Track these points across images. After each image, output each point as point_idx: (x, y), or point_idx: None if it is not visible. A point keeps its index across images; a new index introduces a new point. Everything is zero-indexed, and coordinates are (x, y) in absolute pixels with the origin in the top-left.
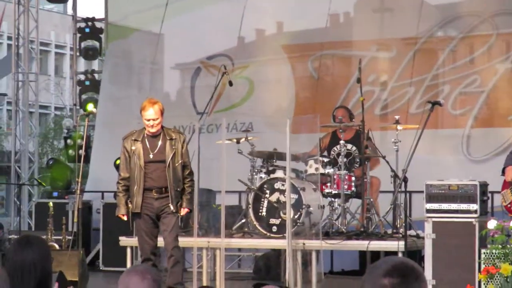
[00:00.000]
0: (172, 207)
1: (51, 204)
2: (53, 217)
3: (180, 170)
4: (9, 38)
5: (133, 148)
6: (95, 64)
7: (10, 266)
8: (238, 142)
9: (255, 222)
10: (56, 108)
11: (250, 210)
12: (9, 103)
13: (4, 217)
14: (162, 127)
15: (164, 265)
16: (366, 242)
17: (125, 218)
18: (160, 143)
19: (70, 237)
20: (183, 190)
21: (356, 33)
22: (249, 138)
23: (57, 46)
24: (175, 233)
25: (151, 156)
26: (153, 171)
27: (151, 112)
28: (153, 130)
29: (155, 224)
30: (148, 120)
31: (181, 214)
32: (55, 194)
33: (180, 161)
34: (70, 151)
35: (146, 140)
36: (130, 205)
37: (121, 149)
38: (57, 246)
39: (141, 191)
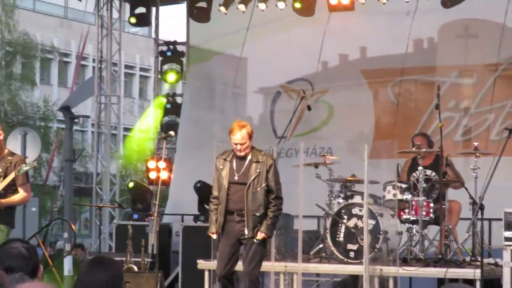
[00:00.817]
0: (247, 232)
1: (130, 226)
2: (132, 239)
3: (262, 195)
4: (94, 60)
5: (221, 167)
6: (179, 87)
7: (81, 287)
8: (316, 166)
9: (332, 247)
10: (140, 131)
11: (328, 235)
12: (93, 125)
13: (88, 238)
14: (253, 148)
15: None
16: (444, 269)
17: (214, 236)
18: (246, 165)
19: (149, 259)
20: (264, 215)
21: (439, 58)
22: (327, 163)
23: (141, 69)
24: (252, 263)
25: (235, 177)
26: (234, 193)
27: (238, 137)
28: (241, 154)
29: (235, 247)
30: (236, 144)
31: (257, 238)
32: (135, 216)
33: (263, 185)
34: (151, 174)
35: (234, 160)
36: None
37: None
38: (135, 268)
39: (223, 212)
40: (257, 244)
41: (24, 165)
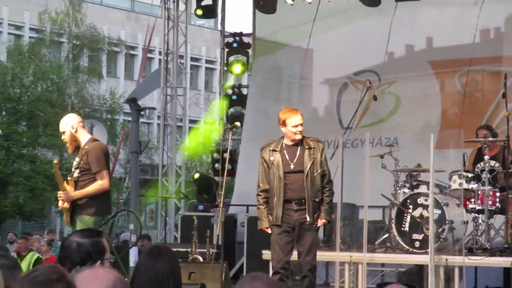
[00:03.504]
0: (309, 218)
1: (195, 217)
2: (197, 230)
3: (319, 180)
4: (161, 53)
5: (272, 158)
6: (244, 79)
7: (144, 277)
8: (382, 157)
9: (397, 237)
10: (206, 123)
11: (393, 225)
12: (159, 117)
13: (153, 230)
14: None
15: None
16: (510, 258)
17: (269, 231)
18: (299, 152)
19: (214, 250)
20: (321, 201)
21: (507, 48)
22: (392, 152)
23: (207, 61)
24: (312, 254)
25: (291, 166)
26: (292, 182)
27: (298, 118)
28: (299, 136)
29: (290, 237)
30: (297, 126)
31: (319, 225)
32: (200, 207)
33: (319, 171)
34: (216, 165)
35: (285, 150)
36: (270, 217)
37: (259, 160)
38: (201, 259)
39: (281, 203)
40: (314, 233)
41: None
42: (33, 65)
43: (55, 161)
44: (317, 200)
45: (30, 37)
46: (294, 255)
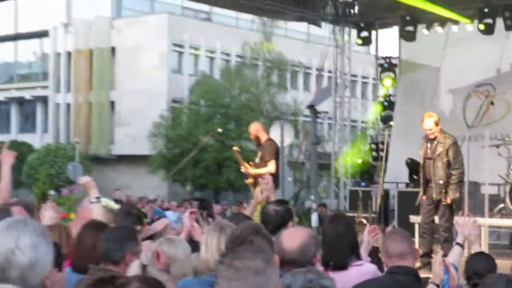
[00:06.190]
0: (434, 195)
1: (360, 191)
2: (361, 200)
3: (443, 167)
4: (328, 71)
5: (421, 146)
6: (391, 90)
7: (328, 237)
8: (498, 147)
9: (510, 207)
10: (362, 122)
11: (507, 198)
12: (329, 118)
13: (327, 199)
14: (441, 131)
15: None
16: None
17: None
18: (433, 145)
19: (374, 215)
20: (447, 183)
21: None
22: (506, 143)
23: (363, 77)
24: (443, 219)
25: (428, 154)
26: (428, 166)
27: (426, 124)
28: (431, 137)
29: (432, 206)
30: (425, 129)
31: (447, 201)
32: (363, 184)
33: (443, 160)
34: (373, 153)
35: (427, 142)
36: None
37: None
38: (364, 221)
39: (421, 181)
40: (444, 206)
41: None
42: (238, 81)
43: (235, 148)
44: (441, 182)
45: (236, 61)
46: None
